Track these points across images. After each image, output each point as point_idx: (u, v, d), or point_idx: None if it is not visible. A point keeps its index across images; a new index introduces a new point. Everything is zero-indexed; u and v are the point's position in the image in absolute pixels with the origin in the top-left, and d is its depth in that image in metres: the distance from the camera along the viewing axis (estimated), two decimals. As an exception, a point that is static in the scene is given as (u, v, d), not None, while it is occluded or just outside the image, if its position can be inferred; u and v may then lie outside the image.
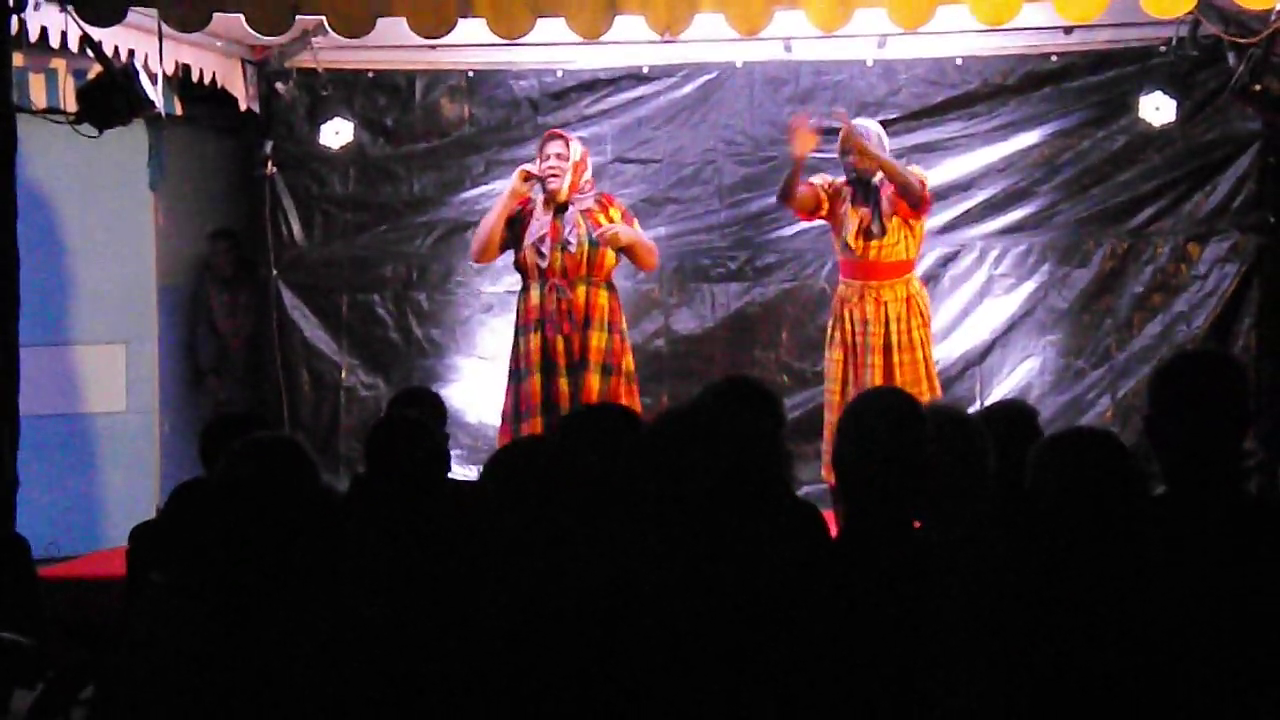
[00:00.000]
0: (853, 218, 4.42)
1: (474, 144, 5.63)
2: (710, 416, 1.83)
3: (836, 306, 4.50)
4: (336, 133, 5.51)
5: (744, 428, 1.85)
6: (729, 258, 5.57)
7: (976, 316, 5.47)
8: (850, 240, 4.42)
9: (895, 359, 4.37)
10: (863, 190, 4.43)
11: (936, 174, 5.41)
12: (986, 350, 5.44)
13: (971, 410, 2.77)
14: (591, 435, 2.23)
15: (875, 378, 4.34)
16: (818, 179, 4.54)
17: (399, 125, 5.63)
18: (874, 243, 4.37)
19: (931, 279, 5.42)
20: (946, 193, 5.40)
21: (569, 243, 4.32)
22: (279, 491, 1.84)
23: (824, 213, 4.48)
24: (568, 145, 4.39)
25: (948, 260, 5.48)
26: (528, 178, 4.35)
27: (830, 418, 4.41)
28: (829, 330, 4.51)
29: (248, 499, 1.82)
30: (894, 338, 4.38)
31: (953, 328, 5.47)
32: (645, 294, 5.56)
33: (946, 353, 5.40)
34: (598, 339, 4.33)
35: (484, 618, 1.76)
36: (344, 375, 5.65)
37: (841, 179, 4.51)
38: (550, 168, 4.36)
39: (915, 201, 4.39)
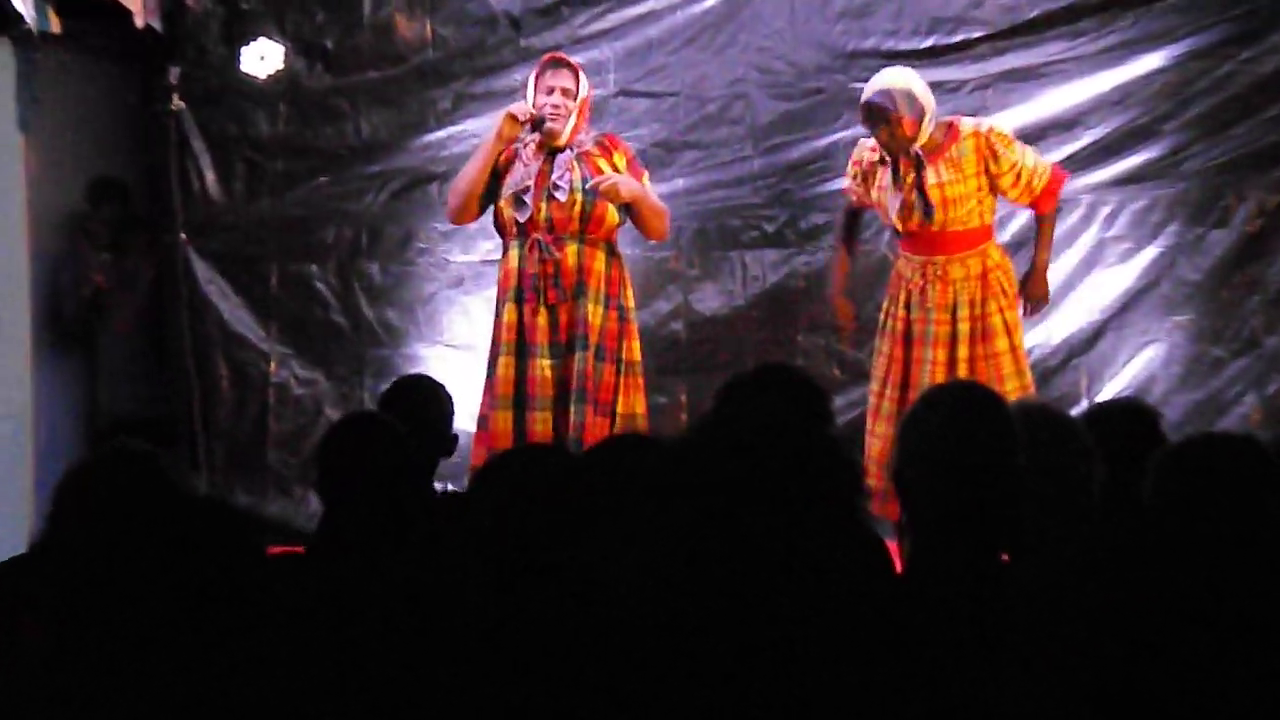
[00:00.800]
0: (892, 197, 4.40)
1: (439, 73, 5.64)
2: (744, 420, 1.86)
3: (893, 284, 4.48)
4: (262, 57, 5.54)
5: (786, 432, 1.85)
6: (764, 217, 5.57)
7: (1083, 292, 5.46)
8: (897, 222, 4.41)
9: (964, 353, 4.33)
10: (899, 167, 4.37)
11: (1031, 109, 5.40)
12: (1095, 335, 5.44)
13: (1075, 411, 2.78)
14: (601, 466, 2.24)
15: (937, 376, 4.30)
16: (846, 181, 4.57)
17: (342, 48, 5.65)
18: (935, 216, 4.35)
19: (1024, 244, 5.40)
20: (1043, 132, 5.38)
21: (558, 188, 4.33)
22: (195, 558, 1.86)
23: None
24: (576, 78, 4.40)
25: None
26: (519, 122, 4.35)
27: (878, 429, 4.37)
28: (881, 315, 4.50)
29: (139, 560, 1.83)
30: (964, 326, 4.34)
31: (1052, 307, 5.35)
32: (658, 264, 5.58)
33: (1043, 338, 5.39)
34: (592, 313, 4.34)
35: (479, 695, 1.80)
36: (273, 368, 5.69)
37: (870, 144, 4.47)
38: (553, 106, 4.36)
39: (1050, 200, 4.48)
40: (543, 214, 4.32)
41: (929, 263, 4.38)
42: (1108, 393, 5.35)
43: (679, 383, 5.49)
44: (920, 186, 4.33)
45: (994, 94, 5.41)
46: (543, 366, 4.31)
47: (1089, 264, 5.46)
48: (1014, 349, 4.37)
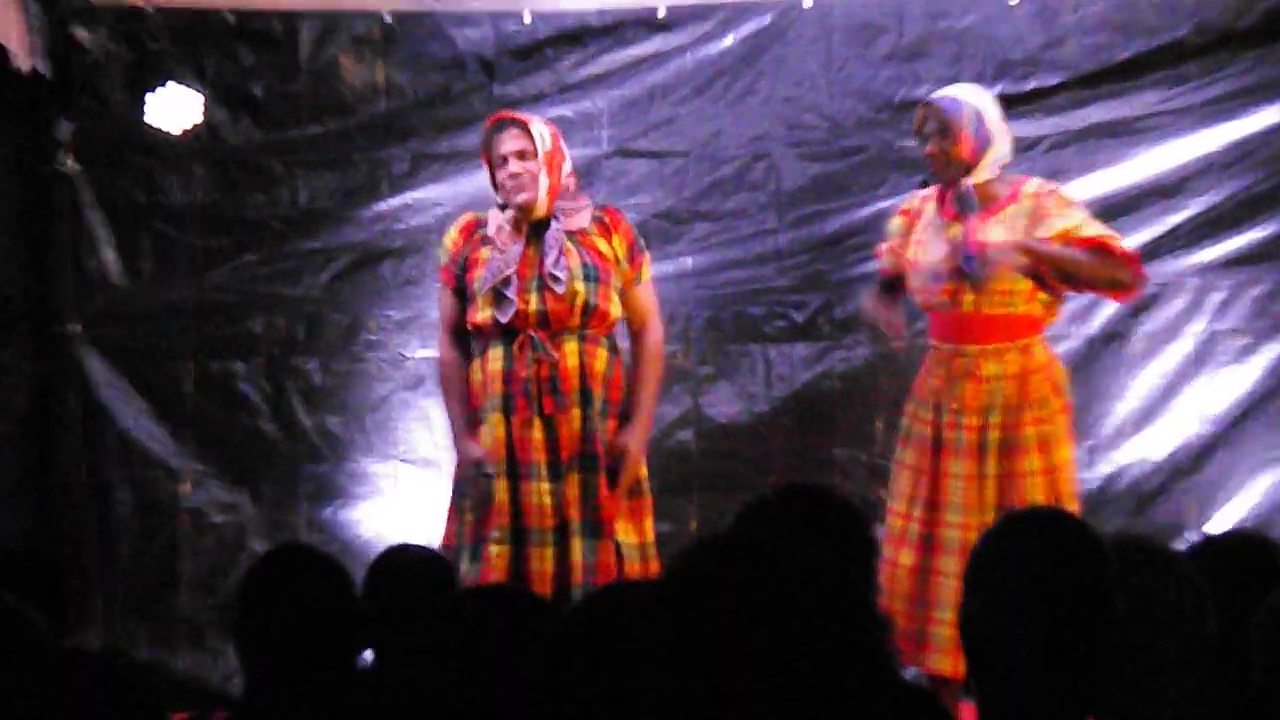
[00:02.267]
0: (932, 242, 4.40)
1: (394, 127, 5.72)
2: (767, 553, 1.87)
3: (919, 382, 4.49)
4: (175, 108, 5.61)
5: (820, 570, 1.88)
6: (793, 304, 5.62)
7: (1189, 398, 5.51)
8: (926, 282, 4.38)
9: (992, 468, 4.30)
10: (954, 198, 4.38)
11: (1121, 173, 5.48)
12: (1205, 451, 5.48)
13: (1180, 546, 2.78)
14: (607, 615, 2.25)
15: (968, 495, 4.29)
16: (886, 243, 4.60)
17: (275, 97, 5.73)
18: (970, 287, 4.31)
19: (1113, 338, 5.47)
20: (1137, 201, 5.47)
21: (555, 279, 4.36)
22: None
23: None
24: (528, 134, 4.43)
25: (1141, 308, 5.50)
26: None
27: (901, 557, 4.33)
28: (905, 419, 4.49)
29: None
30: (994, 435, 4.32)
31: (1149, 415, 5.51)
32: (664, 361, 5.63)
33: (1139, 454, 5.44)
34: (597, 424, 4.37)
35: None
36: (186, 490, 5.71)
37: (921, 194, 4.52)
38: (512, 177, 4.40)
39: (1127, 287, 4.37)
40: (533, 306, 4.37)
41: (958, 354, 4.38)
42: (1220, 524, 5.37)
43: (688, 506, 5.52)
44: (960, 236, 4.32)
45: (1075, 154, 5.50)
46: (540, 491, 4.33)
47: (1197, 363, 5.51)
48: (1050, 470, 4.32)
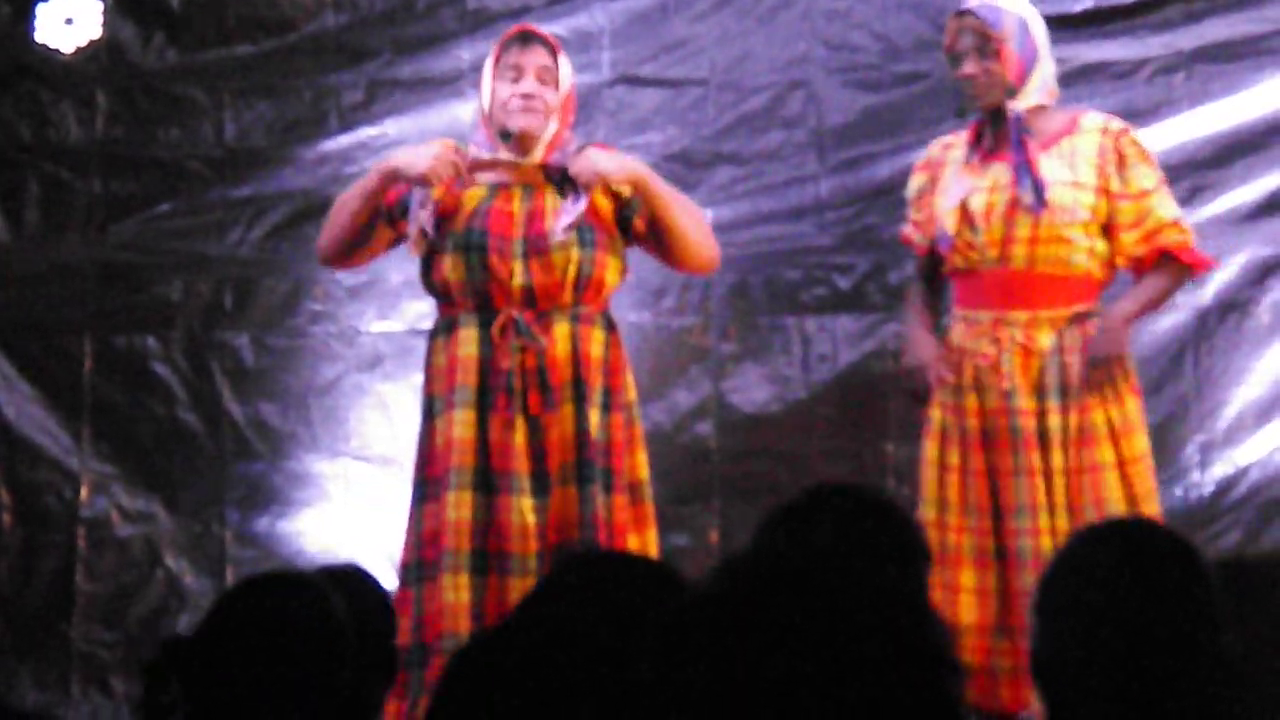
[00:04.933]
0: (960, 181, 4.46)
1: (345, 48, 5.79)
2: (810, 569, 1.85)
3: (948, 362, 4.50)
4: (70, 21, 5.68)
5: (871, 591, 1.85)
6: (836, 267, 5.69)
7: None
8: (955, 226, 4.44)
9: (1058, 462, 4.36)
10: (992, 131, 4.47)
11: (1243, 104, 5.52)
12: None
13: None
14: (599, 609, 2.37)
15: (1024, 496, 4.33)
16: (910, 217, 4.65)
17: (195, 8, 5.79)
18: (1020, 231, 4.40)
19: (1232, 309, 5.52)
20: (1262, 140, 5.53)
21: (542, 238, 4.38)
22: None
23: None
24: (555, 59, 4.46)
25: (1265, 272, 5.58)
26: (459, 170, 4.35)
27: (962, 579, 4.36)
28: (935, 410, 4.51)
29: None
30: (1054, 419, 4.38)
31: (1276, 404, 5.55)
32: (675, 336, 5.70)
33: (1264, 452, 5.50)
34: (592, 424, 4.38)
35: None
36: (84, 496, 5.77)
37: (942, 141, 4.61)
38: (525, 97, 4.41)
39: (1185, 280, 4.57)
40: (517, 279, 4.38)
41: (1001, 322, 4.43)
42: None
43: (706, 514, 5.58)
44: (1025, 161, 4.39)
45: (1186, 81, 5.56)
46: (522, 508, 4.30)
47: None
48: (1124, 463, 4.38)
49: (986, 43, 4.42)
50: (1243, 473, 5.52)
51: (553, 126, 4.44)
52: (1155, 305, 4.58)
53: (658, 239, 4.47)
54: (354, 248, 4.50)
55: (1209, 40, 5.58)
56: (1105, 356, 4.38)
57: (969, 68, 4.44)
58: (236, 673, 2.73)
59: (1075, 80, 5.36)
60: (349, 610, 3.13)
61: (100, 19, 5.74)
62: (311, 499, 5.75)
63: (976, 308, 4.49)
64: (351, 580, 3.39)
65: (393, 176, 4.40)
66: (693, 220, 4.47)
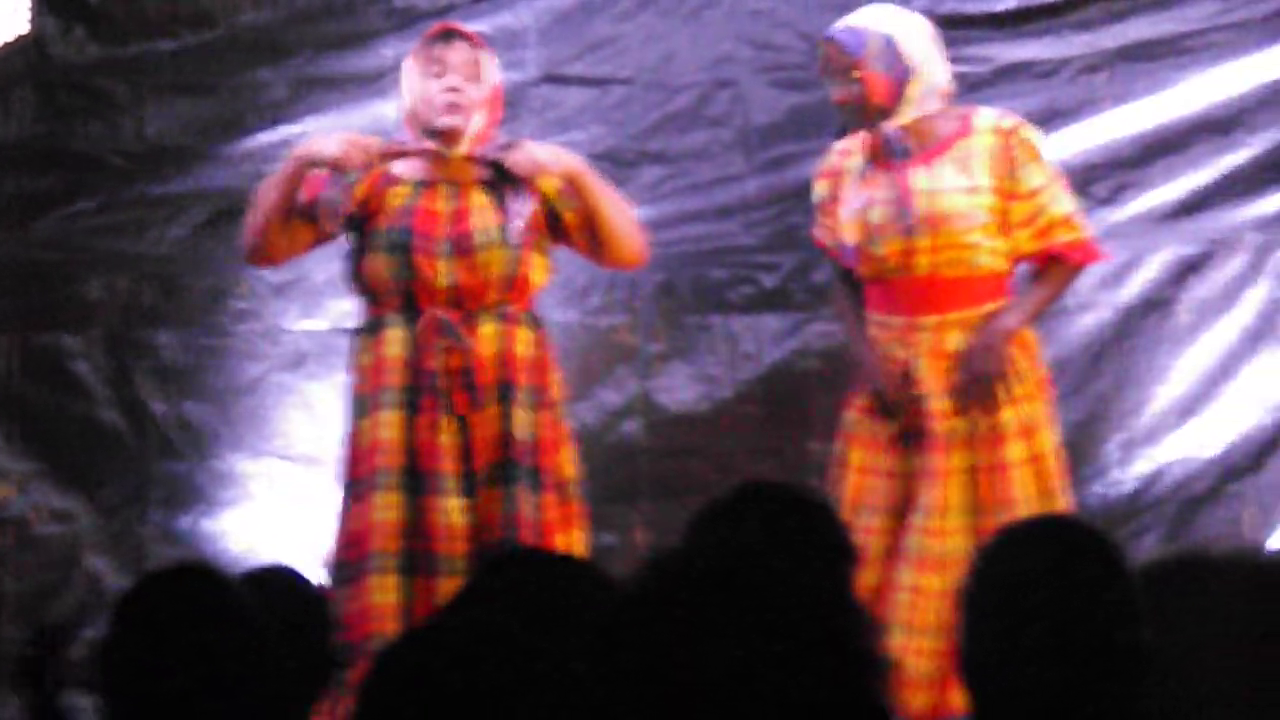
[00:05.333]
0: (858, 194, 4.48)
1: (268, 44, 5.78)
2: (736, 569, 1.87)
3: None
4: None
5: (798, 588, 1.87)
6: (762, 266, 5.72)
7: (1246, 381, 5.60)
8: (855, 239, 4.46)
9: (960, 461, 4.39)
10: (884, 146, 4.47)
11: (1166, 103, 5.56)
12: (1266, 445, 5.58)
13: (1229, 561, 2.88)
14: (526, 608, 2.37)
15: (932, 497, 4.36)
16: (819, 221, 4.67)
17: (117, 4, 5.79)
18: (920, 241, 4.41)
19: (1154, 307, 5.56)
20: (1184, 138, 5.57)
21: (468, 236, 4.40)
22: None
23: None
24: (477, 55, 4.46)
25: (1186, 270, 5.62)
26: (370, 155, 4.37)
27: (864, 577, 4.26)
28: (850, 412, 4.56)
29: None
30: (964, 423, 4.40)
31: (1197, 402, 5.59)
32: (603, 335, 5.72)
33: (1185, 450, 5.54)
34: (518, 423, 4.40)
35: None
36: (6, 495, 5.76)
37: (838, 148, 4.62)
38: (450, 92, 4.40)
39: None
40: (442, 279, 4.39)
41: (912, 327, 4.47)
42: (1286, 534, 5.47)
43: (633, 514, 5.59)
44: (899, 188, 4.43)
45: (1109, 80, 5.58)
46: (448, 509, 4.33)
47: (1255, 338, 5.59)
48: (1036, 459, 4.41)
49: (848, 69, 4.43)
50: (1163, 470, 5.56)
51: (478, 121, 4.44)
52: (1043, 309, 4.58)
53: (589, 234, 4.48)
54: (275, 243, 4.48)
55: (1131, 39, 5.61)
56: (984, 373, 4.41)
57: (836, 93, 4.46)
58: (146, 668, 2.71)
59: (998, 80, 5.41)
60: (279, 609, 3.14)
61: (23, 13, 5.71)
62: (235, 498, 5.75)
63: (887, 313, 4.51)
64: (282, 580, 3.40)
65: (306, 162, 4.40)
66: (624, 214, 4.49)
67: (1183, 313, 5.62)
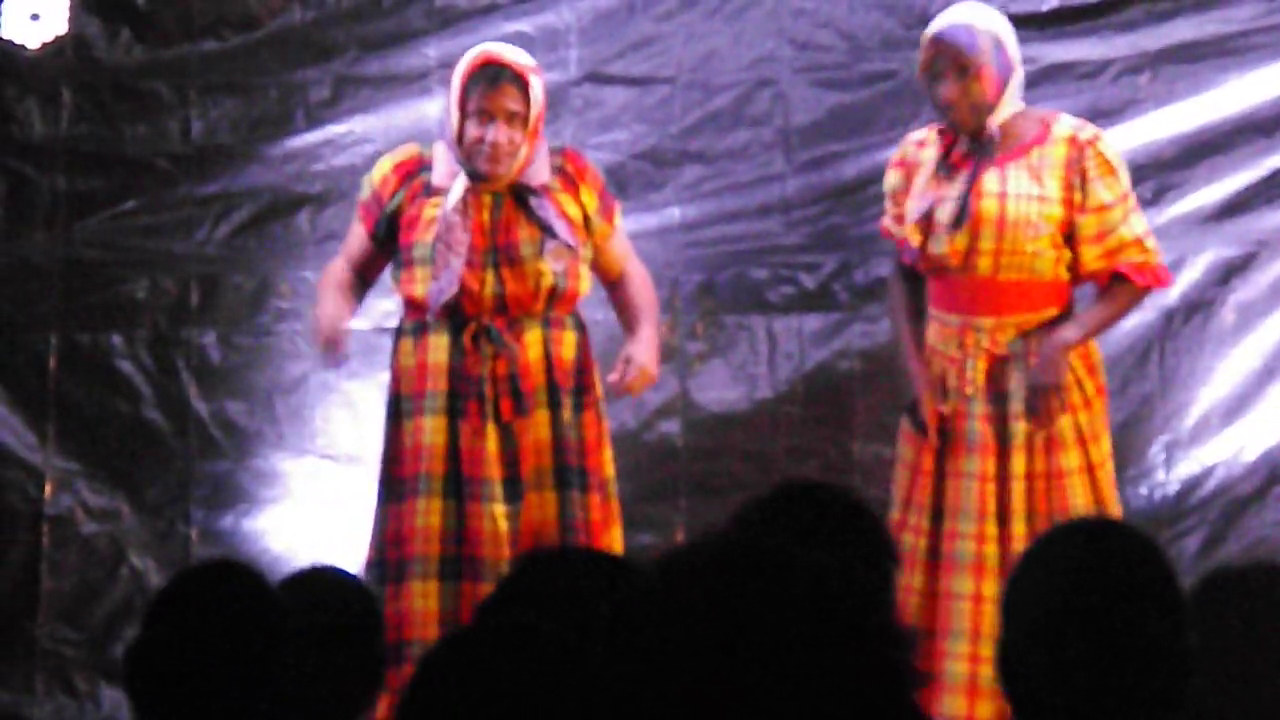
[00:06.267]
0: (927, 192, 4.48)
1: (312, 44, 5.78)
2: (769, 559, 1.85)
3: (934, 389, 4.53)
4: (35, 17, 5.65)
5: (838, 588, 1.85)
6: (803, 266, 5.72)
7: None
8: (919, 239, 4.47)
9: (1019, 468, 4.40)
10: (968, 144, 4.49)
11: (1209, 104, 5.56)
12: None
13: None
14: (565, 609, 2.37)
15: (969, 500, 4.38)
16: (888, 212, 4.67)
17: (162, 4, 5.78)
18: (984, 243, 4.42)
19: (1198, 309, 5.55)
20: (1229, 139, 5.56)
21: (513, 251, 4.42)
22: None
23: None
24: (527, 94, 4.43)
25: (1229, 272, 5.62)
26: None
27: (910, 580, 4.38)
28: (905, 408, 4.59)
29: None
30: (1018, 426, 4.41)
31: (1242, 405, 5.58)
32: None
33: (1229, 452, 5.53)
34: (569, 425, 4.44)
35: None
36: (48, 493, 5.75)
37: (915, 139, 4.64)
38: (491, 146, 4.37)
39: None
40: (489, 289, 4.41)
41: (969, 327, 4.47)
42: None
43: (673, 513, 5.59)
44: (970, 186, 4.43)
45: (1152, 81, 5.58)
46: (494, 514, 4.36)
47: None
48: (1091, 468, 4.43)
49: (965, 66, 4.42)
50: (1208, 472, 5.55)
51: (523, 153, 4.45)
52: (1106, 327, 4.60)
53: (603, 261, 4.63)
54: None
55: (1174, 41, 5.60)
56: (1044, 385, 4.41)
57: (947, 91, 4.44)
58: (178, 665, 2.71)
59: (1041, 80, 5.38)
60: (329, 610, 3.15)
61: (66, 14, 5.71)
62: (276, 497, 5.76)
63: (947, 310, 4.52)
64: (332, 581, 3.41)
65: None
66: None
67: (1227, 314, 5.61)
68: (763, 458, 5.60)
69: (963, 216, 4.43)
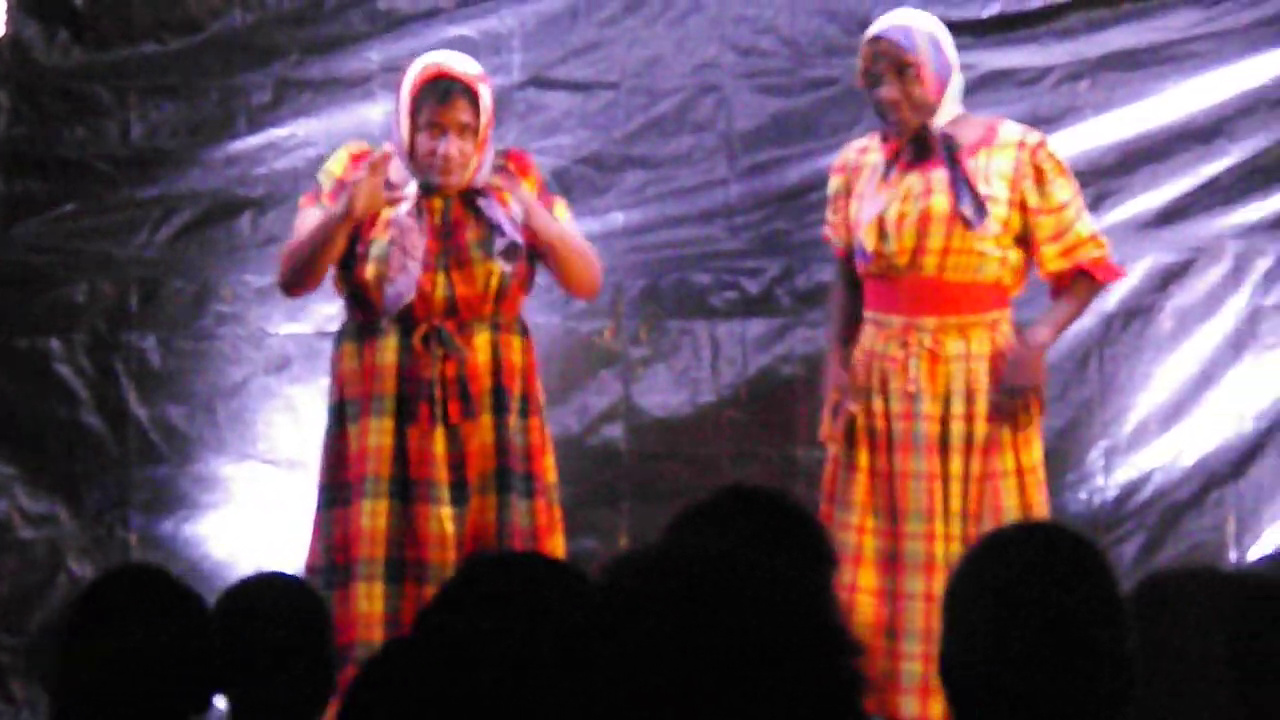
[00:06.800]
0: (875, 197, 4.51)
1: (253, 47, 5.76)
2: (720, 570, 1.84)
3: (858, 365, 4.57)
4: None
5: (786, 593, 1.85)
6: (746, 271, 5.72)
7: (1228, 389, 5.62)
8: (874, 243, 4.49)
9: (957, 468, 4.43)
10: (911, 149, 4.51)
11: (1147, 111, 5.59)
12: (1249, 454, 5.60)
13: (1218, 572, 2.86)
14: (507, 613, 2.37)
15: (919, 500, 4.41)
16: (829, 219, 4.71)
17: (102, 6, 5.76)
18: (932, 242, 4.45)
19: (1135, 315, 5.59)
20: (1167, 147, 5.59)
21: (462, 254, 4.42)
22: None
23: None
24: (477, 105, 4.44)
25: (1168, 278, 5.65)
26: (374, 189, 4.33)
27: (861, 579, 4.42)
28: (838, 412, 4.58)
29: None
30: (957, 426, 4.45)
31: (1179, 409, 5.62)
32: (585, 340, 5.71)
33: (1166, 458, 5.56)
34: (513, 430, 4.45)
35: None
36: (-14, 499, 5.73)
37: (856, 146, 4.67)
38: (444, 158, 4.39)
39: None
40: (440, 291, 4.41)
41: (911, 327, 4.49)
42: (1268, 543, 5.50)
43: (616, 517, 5.60)
44: (958, 178, 4.44)
45: (1091, 88, 5.61)
46: (440, 517, 4.36)
47: (1237, 345, 5.61)
48: (1023, 472, 4.46)
49: (904, 67, 4.45)
50: (1146, 477, 5.58)
51: (474, 163, 4.46)
52: (1070, 324, 4.66)
53: (555, 271, 4.57)
54: (318, 273, 4.51)
55: (1112, 48, 5.63)
56: (1021, 387, 4.46)
57: (888, 92, 4.47)
58: (93, 671, 2.71)
59: (981, 87, 5.41)
60: (278, 617, 3.14)
61: (4, 16, 5.70)
62: (217, 502, 5.74)
63: (888, 311, 4.54)
64: (277, 586, 3.39)
65: (348, 221, 4.38)
66: (584, 263, 4.55)
67: (1165, 320, 5.65)
68: (706, 462, 5.61)
69: (912, 215, 4.45)
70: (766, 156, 5.70)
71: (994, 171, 4.49)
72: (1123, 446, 5.59)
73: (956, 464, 4.44)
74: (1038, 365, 4.48)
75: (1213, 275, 5.63)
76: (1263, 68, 5.60)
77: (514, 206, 4.46)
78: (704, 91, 5.72)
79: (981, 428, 4.45)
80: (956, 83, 4.54)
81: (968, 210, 4.43)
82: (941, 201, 4.46)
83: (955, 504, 4.42)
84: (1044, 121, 5.42)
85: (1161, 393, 5.60)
